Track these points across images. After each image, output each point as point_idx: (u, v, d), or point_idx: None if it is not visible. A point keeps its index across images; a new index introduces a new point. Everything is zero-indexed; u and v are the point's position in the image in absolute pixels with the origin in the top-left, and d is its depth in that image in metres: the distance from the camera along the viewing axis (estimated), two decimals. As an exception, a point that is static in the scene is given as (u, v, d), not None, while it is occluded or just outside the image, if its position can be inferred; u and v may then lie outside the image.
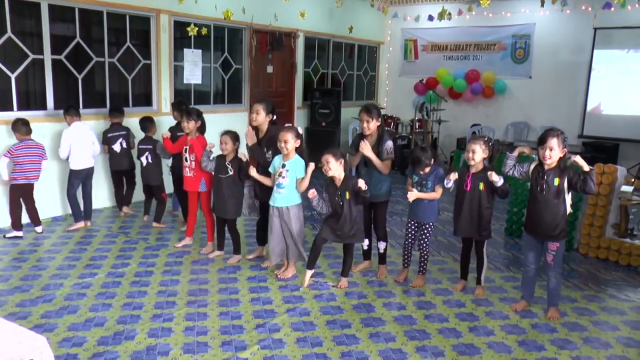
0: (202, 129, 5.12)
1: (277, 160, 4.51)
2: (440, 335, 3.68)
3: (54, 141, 5.93)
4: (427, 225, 4.46)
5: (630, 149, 8.74)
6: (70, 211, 6.20)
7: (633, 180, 5.87)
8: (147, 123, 5.96)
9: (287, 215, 4.48)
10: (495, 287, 4.53)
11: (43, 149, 5.44)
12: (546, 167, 3.83)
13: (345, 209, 4.24)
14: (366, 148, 4.38)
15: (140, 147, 5.91)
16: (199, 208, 5.20)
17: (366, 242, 4.78)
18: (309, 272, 4.45)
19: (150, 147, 5.88)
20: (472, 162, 4.15)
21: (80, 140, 5.65)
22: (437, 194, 4.35)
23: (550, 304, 4.01)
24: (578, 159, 3.76)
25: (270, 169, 4.57)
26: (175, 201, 6.55)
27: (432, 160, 4.34)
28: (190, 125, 4.99)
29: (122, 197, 6.33)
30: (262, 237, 4.98)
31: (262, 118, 4.73)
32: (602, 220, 5.30)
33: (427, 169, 4.34)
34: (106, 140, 6.07)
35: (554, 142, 3.72)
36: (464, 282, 4.52)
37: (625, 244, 5.18)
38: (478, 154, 4.12)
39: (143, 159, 5.90)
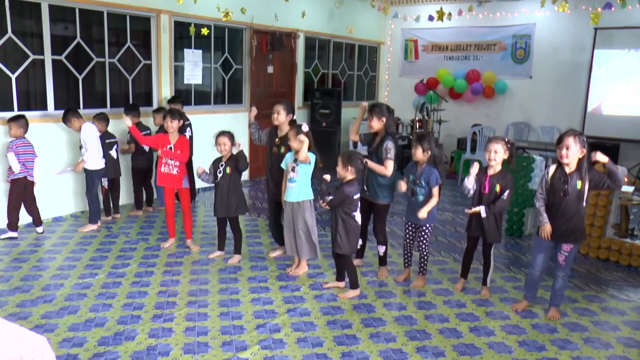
0: (182, 129, 5.19)
1: (289, 156, 4.56)
2: (440, 336, 3.68)
3: (54, 142, 5.93)
4: (424, 227, 4.44)
5: (630, 149, 8.73)
6: (71, 212, 6.23)
7: (634, 180, 5.87)
8: (104, 119, 5.94)
9: (297, 210, 4.51)
10: (495, 288, 4.52)
11: (34, 147, 5.41)
12: (568, 171, 3.77)
13: None
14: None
15: (107, 141, 5.89)
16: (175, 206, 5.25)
17: (359, 241, 4.77)
18: (340, 283, 4.45)
19: (116, 140, 6.03)
20: (492, 163, 4.09)
21: (97, 140, 5.69)
22: (435, 200, 4.29)
23: (552, 304, 4.01)
24: (599, 156, 3.68)
25: (283, 165, 4.64)
26: (160, 197, 6.60)
27: (423, 150, 4.26)
28: (174, 125, 5.02)
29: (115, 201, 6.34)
30: (279, 235, 5.06)
31: (283, 118, 4.83)
32: (602, 220, 5.30)
33: (418, 154, 4.29)
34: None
35: (570, 140, 3.69)
36: (463, 280, 4.51)
37: (625, 244, 5.18)
38: (500, 154, 4.06)
39: (112, 152, 5.93)
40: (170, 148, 5.04)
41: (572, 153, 3.71)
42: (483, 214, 4.11)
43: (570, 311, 4.12)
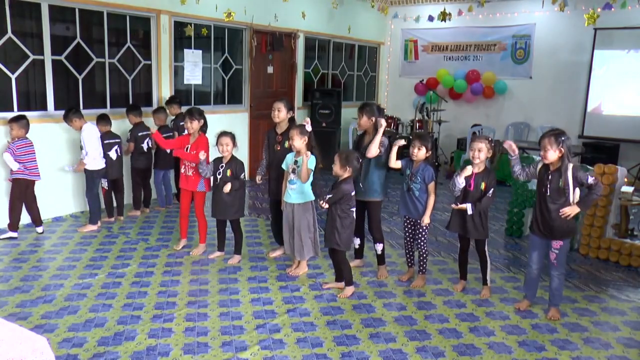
0: (204, 128, 5.10)
1: (290, 157, 4.56)
2: (440, 336, 3.68)
3: (54, 142, 5.93)
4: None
5: (630, 149, 8.74)
6: (71, 212, 6.23)
7: (633, 180, 5.87)
8: (105, 120, 5.93)
9: (297, 212, 4.51)
10: (495, 288, 4.52)
11: (34, 147, 5.39)
12: (551, 168, 3.85)
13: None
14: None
15: (106, 142, 5.86)
16: (191, 210, 5.19)
17: (357, 241, 4.80)
18: (340, 284, 4.43)
19: (119, 141, 6.01)
20: (476, 161, 4.15)
21: (97, 141, 5.67)
22: (432, 198, 4.36)
23: (552, 304, 4.02)
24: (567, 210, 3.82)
25: (284, 166, 4.63)
26: (161, 198, 6.60)
27: (427, 150, 4.32)
28: (194, 125, 4.97)
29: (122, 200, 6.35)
30: (280, 234, 5.04)
31: (284, 115, 4.86)
32: (602, 220, 5.30)
33: (421, 153, 4.32)
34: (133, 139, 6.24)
35: (545, 142, 3.78)
36: (463, 282, 4.52)
37: (625, 245, 5.18)
38: (483, 152, 4.13)
39: (112, 153, 5.91)
40: (187, 148, 5.00)
41: (550, 154, 3.79)
42: (469, 211, 4.16)
43: (570, 311, 4.12)
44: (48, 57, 5.90)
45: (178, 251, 5.18)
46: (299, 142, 4.40)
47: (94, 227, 5.73)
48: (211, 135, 5.01)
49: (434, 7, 10.23)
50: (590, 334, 3.77)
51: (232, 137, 4.76)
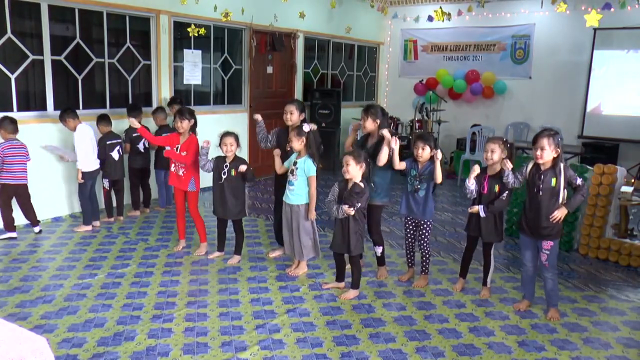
0: (193, 128, 5.10)
1: (293, 158, 4.57)
2: (440, 336, 3.68)
3: (52, 142, 5.92)
4: (425, 224, 4.45)
5: (630, 149, 8.74)
6: (71, 212, 6.23)
7: (633, 180, 5.88)
8: (106, 120, 5.93)
9: (296, 213, 4.51)
10: (495, 288, 4.53)
11: (27, 149, 5.35)
12: (542, 168, 3.84)
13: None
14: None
15: (108, 143, 5.87)
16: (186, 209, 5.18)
17: None
18: (340, 284, 4.45)
19: (120, 141, 6.01)
20: (489, 162, 4.12)
21: (90, 142, 5.65)
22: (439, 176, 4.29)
23: (550, 305, 4.02)
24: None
25: (286, 164, 4.64)
26: (162, 198, 6.60)
27: (431, 149, 4.31)
28: (184, 125, 4.96)
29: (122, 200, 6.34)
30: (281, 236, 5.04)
31: (296, 118, 4.80)
32: (602, 220, 5.30)
33: (425, 153, 4.30)
34: (128, 140, 6.25)
35: (544, 141, 3.76)
36: (462, 280, 4.52)
37: (625, 245, 5.18)
38: (497, 153, 4.08)
39: (114, 153, 5.91)
40: (177, 148, 4.98)
41: (547, 154, 3.78)
42: (482, 214, 4.13)
43: (570, 311, 4.12)
44: (47, 57, 5.89)
45: (179, 252, 5.18)
46: (296, 143, 4.42)
47: (87, 228, 5.72)
48: (213, 135, 5.01)
49: (433, 7, 10.22)
50: (590, 334, 3.77)
51: (236, 137, 4.76)
